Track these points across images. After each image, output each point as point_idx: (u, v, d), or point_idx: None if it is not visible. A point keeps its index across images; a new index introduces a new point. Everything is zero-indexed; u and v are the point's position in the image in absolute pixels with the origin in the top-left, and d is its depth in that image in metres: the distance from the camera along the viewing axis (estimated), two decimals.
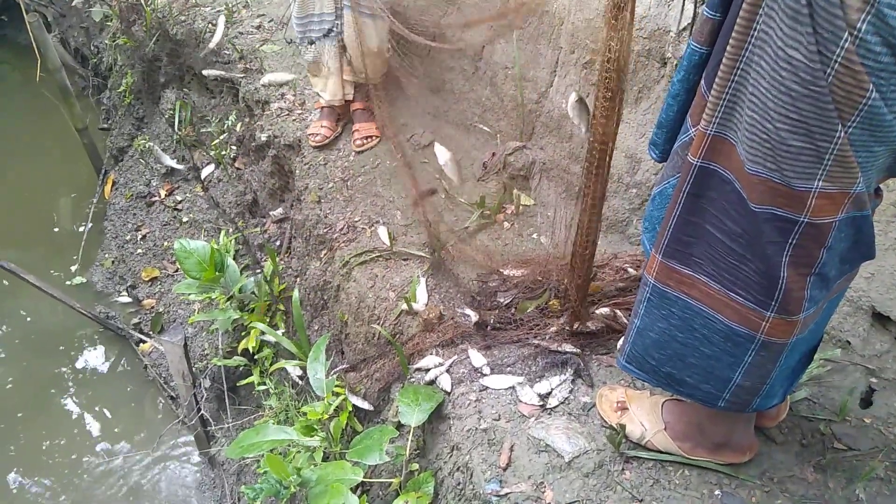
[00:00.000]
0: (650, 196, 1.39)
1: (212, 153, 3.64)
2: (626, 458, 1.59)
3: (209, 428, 2.96)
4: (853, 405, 1.68)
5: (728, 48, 1.04)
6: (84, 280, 3.86)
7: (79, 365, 3.52)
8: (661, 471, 1.56)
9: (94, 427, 3.25)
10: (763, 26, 0.98)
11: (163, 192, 4.00)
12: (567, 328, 1.89)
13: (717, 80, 1.08)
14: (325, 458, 1.93)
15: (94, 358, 3.56)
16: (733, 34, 1.03)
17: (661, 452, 1.58)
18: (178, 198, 3.92)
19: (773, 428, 1.63)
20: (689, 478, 1.55)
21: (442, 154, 2.27)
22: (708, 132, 1.11)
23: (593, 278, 1.73)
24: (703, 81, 1.17)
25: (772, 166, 1.04)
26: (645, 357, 1.39)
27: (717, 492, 1.52)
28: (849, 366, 1.76)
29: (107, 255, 3.98)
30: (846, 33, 0.88)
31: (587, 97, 2.36)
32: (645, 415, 1.62)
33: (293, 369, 2.36)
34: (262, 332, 2.58)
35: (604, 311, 1.93)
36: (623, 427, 1.59)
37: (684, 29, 1.97)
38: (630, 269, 2.07)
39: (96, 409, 3.32)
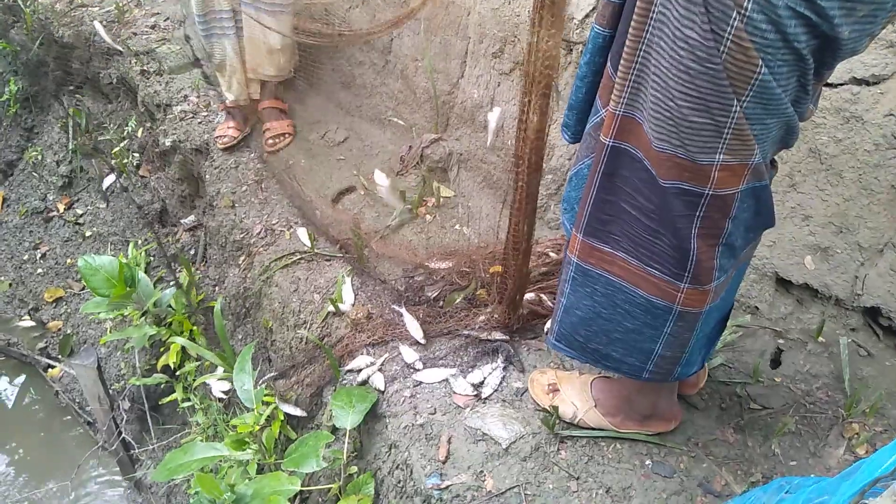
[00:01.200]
0: (567, 179, 1.42)
1: (113, 161, 3.44)
2: (560, 438, 1.63)
3: (132, 451, 2.81)
4: (764, 367, 1.78)
5: (630, 31, 1.08)
6: None
7: None
8: (594, 447, 1.61)
9: (4, 462, 3.02)
10: (661, 8, 1.02)
11: (61, 206, 3.76)
12: (496, 318, 1.90)
13: (621, 61, 1.11)
14: (260, 471, 1.88)
15: None
16: (634, 17, 1.07)
17: (593, 429, 1.62)
18: (79, 211, 3.69)
19: (695, 395, 1.71)
20: (620, 451, 1.60)
21: (382, 180, 2.29)
22: (617, 112, 1.15)
23: (525, 273, 1.74)
24: (609, 63, 1.20)
25: (676, 142, 1.08)
26: (573, 334, 1.42)
27: (647, 462, 1.58)
28: (758, 330, 1.86)
29: (2, 278, 3.70)
30: (735, 12, 0.93)
31: (497, 87, 2.39)
32: (576, 394, 1.66)
33: (218, 383, 2.28)
34: (183, 347, 2.47)
35: (529, 296, 1.96)
36: (556, 408, 1.63)
37: (587, 15, 2.01)
38: (552, 254, 2.11)
39: (6, 443, 3.09)
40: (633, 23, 1.07)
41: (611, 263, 1.29)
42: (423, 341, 1.91)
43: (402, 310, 2.00)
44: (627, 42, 1.09)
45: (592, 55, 1.26)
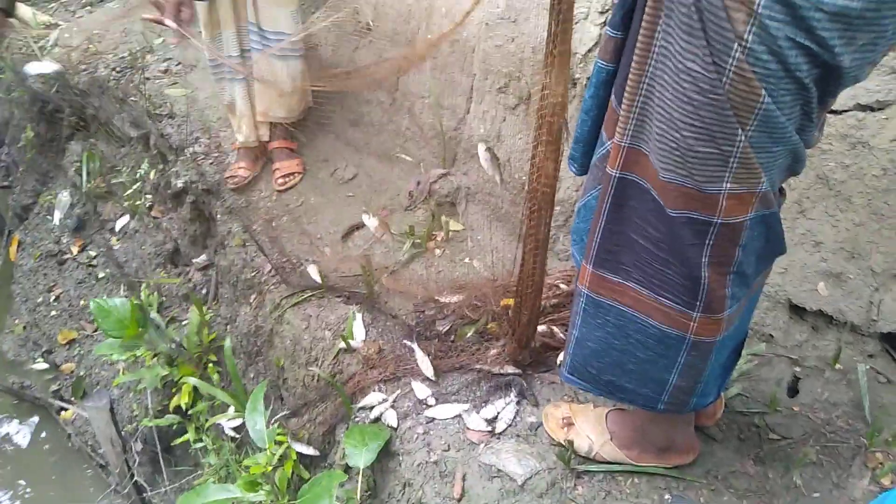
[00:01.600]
0: (575, 211, 1.43)
1: (125, 204, 3.49)
2: (576, 473, 1.60)
3: (145, 494, 2.79)
4: (782, 395, 1.76)
5: (633, 64, 1.09)
6: None
7: None
8: (611, 482, 1.58)
9: None
10: (662, 41, 1.04)
11: (75, 249, 3.80)
12: (507, 353, 1.89)
13: (625, 94, 1.12)
14: None
15: (11, 432, 3.31)
16: (636, 51, 1.08)
17: (609, 463, 1.60)
18: (92, 253, 3.72)
19: (712, 426, 1.68)
20: (638, 485, 1.57)
21: (371, 223, 2.37)
22: (623, 144, 1.16)
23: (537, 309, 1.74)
24: (613, 96, 1.22)
25: (683, 172, 1.08)
26: (586, 367, 1.41)
27: (666, 496, 1.55)
28: (774, 358, 1.84)
29: (17, 321, 3.72)
30: (735, 44, 0.94)
31: (503, 122, 2.42)
32: (591, 428, 1.64)
33: (228, 422, 2.27)
34: (195, 387, 2.47)
35: (541, 328, 1.95)
36: (571, 443, 1.61)
37: (589, 50, 2.05)
38: (562, 286, 2.11)
39: (19, 486, 3.08)
40: (635, 56, 1.09)
41: (622, 294, 1.29)
42: (433, 378, 1.90)
43: (414, 345, 1.99)
44: (630, 75, 1.11)
45: (597, 88, 1.28)
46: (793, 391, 1.78)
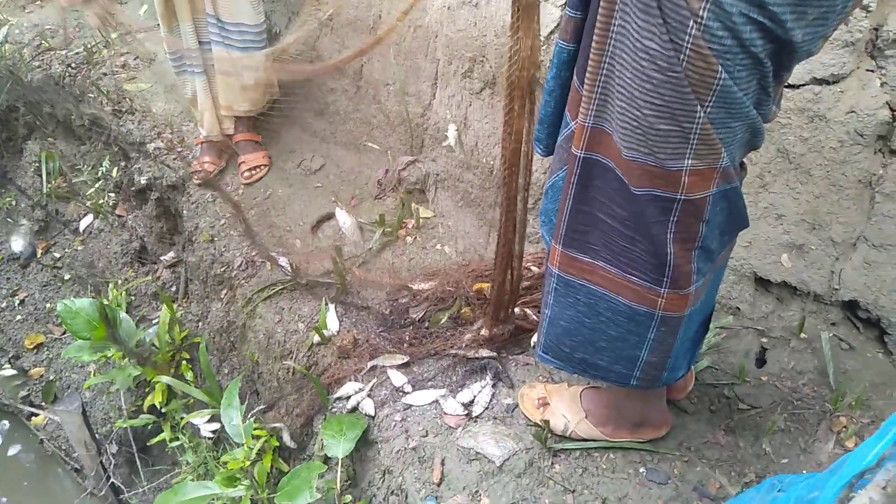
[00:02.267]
0: (543, 192, 1.44)
1: (88, 203, 3.41)
2: (553, 452, 1.62)
3: (122, 496, 2.75)
4: (750, 366, 1.80)
5: (593, 44, 1.10)
6: None
7: None
8: (587, 458, 1.61)
9: None
10: (620, 21, 1.04)
11: (38, 251, 3.71)
12: (484, 333, 1.90)
13: (587, 74, 1.13)
14: None
15: None
16: (595, 31, 1.09)
17: (585, 441, 1.62)
18: (57, 254, 3.64)
19: (684, 399, 1.72)
20: (614, 461, 1.60)
21: (343, 218, 2.36)
22: (586, 124, 1.17)
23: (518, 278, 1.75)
24: (575, 77, 1.23)
25: (645, 150, 1.10)
26: (559, 345, 1.43)
27: (641, 469, 1.58)
28: (741, 330, 1.88)
29: None
30: (692, 21, 0.95)
31: (469, 106, 2.41)
32: (566, 407, 1.66)
33: (204, 422, 2.24)
34: (169, 386, 2.44)
35: (515, 311, 1.97)
36: (547, 422, 1.63)
37: (551, 32, 2.05)
38: (533, 268, 2.12)
39: None
40: (595, 37, 1.09)
41: (591, 273, 1.30)
42: (408, 389, 1.88)
43: (389, 369, 1.95)
44: (591, 55, 1.11)
45: (559, 69, 1.28)
46: (760, 361, 1.83)
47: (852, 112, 1.66)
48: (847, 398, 1.66)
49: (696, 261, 1.22)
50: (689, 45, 0.97)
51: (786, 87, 1.72)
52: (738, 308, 1.91)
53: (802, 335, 1.83)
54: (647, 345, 1.33)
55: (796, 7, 0.94)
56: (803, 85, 1.72)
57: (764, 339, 1.86)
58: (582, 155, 1.20)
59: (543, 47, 2.10)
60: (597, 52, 1.10)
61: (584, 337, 1.38)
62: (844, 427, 1.62)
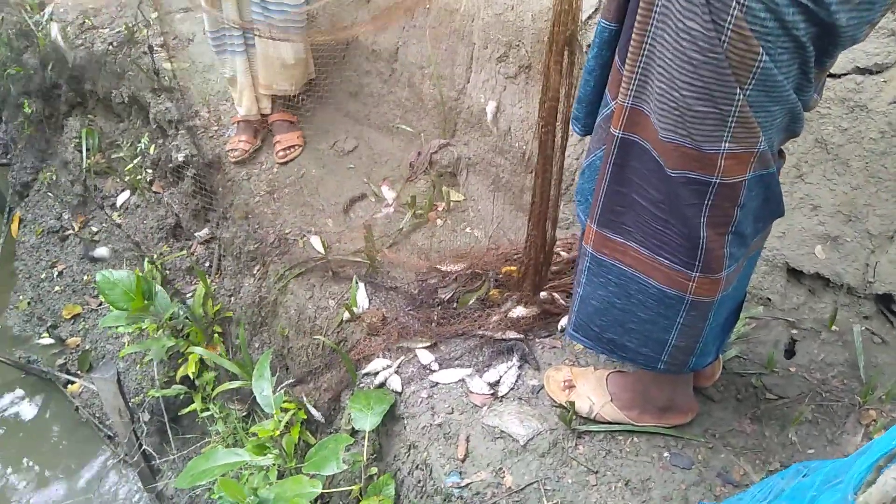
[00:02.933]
0: (579, 171, 1.45)
1: (126, 179, 3.50)
2: (577, 433, 1.64)
3: (153, 462, 2.84)
4: (779, 357, 1.79)
5: (636, 24, 1.10)
6: None
7: (1, 415, 3.30)
8: (611, 441, 1.62)
9: (27, 477, 3.06)
10: (664, 1, 1.04)
11: (76, 225, 3.81)
12: (517, 313, 1.92)
13: (628, 54, 1.13)
14: (281, 476, 1.90)
15: (18, 406, 3.35)
16: (639, 10, 1.09)
17: (610, 423, 1.63)
18: (94, 229, 3.74)
19: (710, 387, 1.72)
20: (638, 444, 1.61)
21: (388, 193, 2.46)
22: (626, 105, 1.17)
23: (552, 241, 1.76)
24: (617, 56, 1.23)
25: (682, 132, 1.10)
26: (589, 325, 1.44)
27: (665, 454, 1.59)
28: (771, 321, 1.87)
29: (21, 297, 3.75)
30: (734, 2, 0.95)
31: (503, 91, 2.42)
32: (591, 389, 1.67)
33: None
34: (201, 357, 2.50)
35: (542, 294, 1.98)
36: (572, 404, 1.64)
37: (590, 17, 2.05)
38: (562, 253, 2.13)
39: (27, 459, 3.13)
40: (638, 16, 1.10)
41: (623, 254, 1.31)
42: (434, 367, 1.90)
43: (416, 347, 1.98)
44: (633, 35, 1.12)
45: (600, 49, 1.28)
46: (789, 352, 1.82)
47: (895, 103, 1.63)
48: (877, 392, 1.65)
49: (728, 245, 1.22)
50: (730, 26, 0.97)
51: (827, 76, 1.69)
52: (769, 298, 1.90)
53: (834, 327, 1.82)
54: (676, 329, 1.34)
55: None
56: (845, 74, 1.69)
57: (794, 331, 1.85)
58: (620, 135, 1.20)
59: (582, 31, 2.10)
60: (639, 31, 1.11)
61: (613, 317, 1.39)
62: (874, 420, 1.61)
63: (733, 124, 1.07)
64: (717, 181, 1.13)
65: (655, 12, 1.07)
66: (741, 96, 1.03)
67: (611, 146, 1.22)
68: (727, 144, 1.09)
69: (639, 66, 1.13)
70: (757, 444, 1.61)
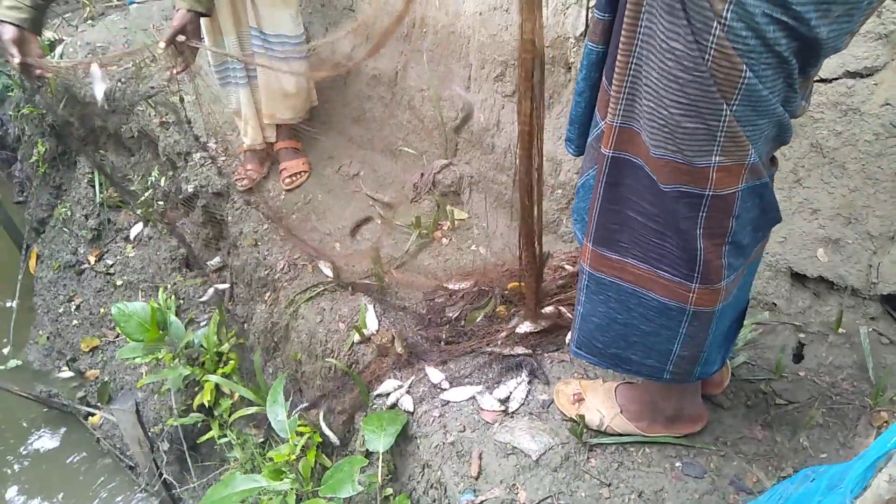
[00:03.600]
0: (575, 191, 1.47)
1: (139, 212, 3.57)
2: (589, 446, 1.65)
3: (174, 491, 2.87)
4: (787, 361, 1.80)
5: (620, 45, 1.13)
6: (19, 362, 3.69)
7: (24, 450, 3.36)
8: (623, 453, 1.63)
9: None
10: (646, 23, 1.08)
11: (92, 259, 3.89)
12: (518, 329, 1.94)
13: (615, 75, 1.16)
14: (299, 500, 1.92)
15: (41, 440, 3.41)
16: (622, 32, 1.12)
17: (621, 435, 1.65)
18: (109, 262, 3.82)
19: (720, 394, 1.73)
20: (650, 455, 1.62)
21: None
22: (615, 124, 1.20)
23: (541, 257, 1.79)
24: (604, 77, 1.26)
25: (672, 148, 1.12)
26: (591, 341, 1.46)
27: (677, 464, 1.60)
28: (778, 325, 1.88)
29: (41, 332, 3.82)
30: (715, 22, 0.98)
31: (502, 109, 2.45)
32: (600, 402, 1.68)
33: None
34: (217, 384, 2.54)
35: (548, 309, 2.00)
36: (582, 417, 1.66)
37: (581, 34, 2.08)
38: (567, 267, 2.15)
39: (50, 491, 3.17)
40: (622, 38, 1.13)
41: (621, 270, 1.33)
42: (445, 386, 1.93)
43: (426, 366, 2.01)
44: (618, 56, 1.15)
45: (588, 70, 1.32)
46: (798, 357, 1.82)
47: (887, 105, 1.65)
48: (888, 393, 1.65)
49: (726, 256, 1.24)
50: (713, 46, 1.00)
51: (818, 81, 1.71)
52: (775, 303, 1.90)
53: (840, 330, 1.82)
54: (679, 339, 1.35)
55: (820, 5, 0.96)
56: (836, 79, 1.71)
57: (801, 335, 1.85)
58: (611, 154, 1.23)
59: (574, 49, 2.14)
60: (624, 52, 1.14)
61: (616, 332, 1.41)
62: (885, 422, 1.61)
63: (722, 139, 1.09)
64: (710, 193, 1.15)
65: (639, 34, 1.10)
66: (728, 112, 1.06)
67: (602, 165, 1.25)
68: (717, 158, 1.11)
69: (626, 86, 1.16)
70: (769, 450, 1.61)
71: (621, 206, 1.27)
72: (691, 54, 1.02)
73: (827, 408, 1.67)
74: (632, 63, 1.13)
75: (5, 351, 3.76)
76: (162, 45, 2.10)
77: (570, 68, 2.20)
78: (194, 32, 2.16)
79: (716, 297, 1.28)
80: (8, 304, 4.00)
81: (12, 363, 3.68)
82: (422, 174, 2.68)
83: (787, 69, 1.04)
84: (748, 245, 1.28)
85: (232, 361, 2.66)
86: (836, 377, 1.75)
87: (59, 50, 4.06)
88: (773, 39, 0.98)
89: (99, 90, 2.09)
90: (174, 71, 2.17)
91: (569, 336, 1.96)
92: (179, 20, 2.11)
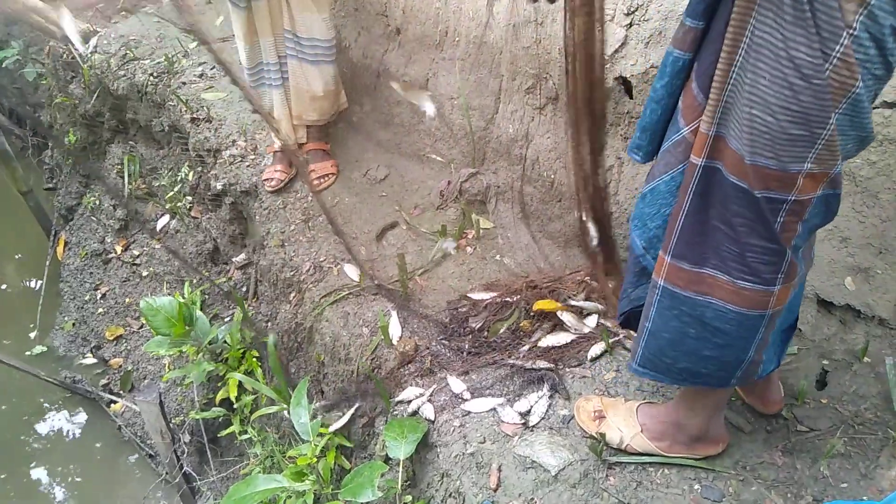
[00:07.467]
0: (639, 196, 1.46)
1: (167, 206, 3.62)
2: (608, 464, 1.67)
3: (194, 483, 2.93)
4: (810, 388, 1.80)
5: (722, 54, 1.15)
6: (45, 347, 3.77)
7: (47, 433, 3.44)
8: (642, 472, 1.65)
9: (70, 495, 3.17)
10: (758, 32, 1.08)
11: (119, 248, 3.96)
12: (541, 343, 1.95)
13: (713, 84, 1.17)
14: (317, 501, 1.96)
15: (63, 424, 3.48)
16: (726, 42, 1.14)
17: (640, 455, 1.66)
18: (136, 252, 3.88)
19: (740, 419, 1.73)
20: (669, 476, 1.63)
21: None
22: (710, 133, 1.20)
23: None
24: (694, 84, 1.26)
25: (769, 154, 1.13)
26: (660, 358, 1.44)
27: (696, 486, 1.61)
28: (802, 351, 1.88)
29: (66, 318, 3.90)
30: (845, 32, 1.00)
31: (531, 122, 2.46)
32: (622, 420, 1.70)
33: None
34: (240, 381, 2.58)
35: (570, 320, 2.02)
36: (603, 435, 1.67)
37: (616, 51, 2.09)
38: (593, 282, 2.16)
39: (70, 475, 3.25)
40: (725, 47, 1.14)
41: (699, 283, 1.32)
42: (466, 396, 1.94)
43: (448, 375, 2.02)
44: (719, 66, 1.16)
45: (672, 78, 1.32)
46: (821, 384, 1.82)
47: None
48: None
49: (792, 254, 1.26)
50: (838, 55, 1.02)
51: None
52: (800, 329, 1.90)
53: (866, 359, 1.82)
54: (754, 346, 1.35)
55: None
56: (874, 108, 1.71)
57: (825, 362, 1.85)
58: (703, 163, 1.23)
59: (608, 65, 2.14)
60: (725, 62, 1.15)
61: (687, 347, 1.39)
62: None
63: (820, 146, 1.10)
64: (792, 198, 1.17)
65: (744, 44, 1.11)
66: (834, 121, 1.07)
67: (691, 175, 1.25)
68: (809, 165, 1.13)
69: (724, 95, 1.16)
70: (788, 477, 1.62)
71: (707, 215, 1.27)
72: (814, 62, 1.03)
73: (849, 437, 1.67)
74: (734, 71, 1.14)
75: (31, 335, 3.84)
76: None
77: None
78: None
79: (787, 294, 1.30)
80: (35, 289, 4.08)
81: (38, 349, 3.76)
82: (448, 182, 2.70)
83: (882, 82, 1.07)
84: (802, 248, 1.30)
85: (254, 359, 2.70)
86: (859, 406, 1.75)
87: (92, 42, 4.13)
88: (890, 50, 1.02)
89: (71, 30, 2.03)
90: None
91: (592, 350, 1.98)
92: None
